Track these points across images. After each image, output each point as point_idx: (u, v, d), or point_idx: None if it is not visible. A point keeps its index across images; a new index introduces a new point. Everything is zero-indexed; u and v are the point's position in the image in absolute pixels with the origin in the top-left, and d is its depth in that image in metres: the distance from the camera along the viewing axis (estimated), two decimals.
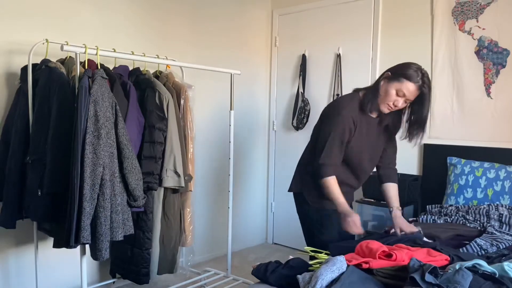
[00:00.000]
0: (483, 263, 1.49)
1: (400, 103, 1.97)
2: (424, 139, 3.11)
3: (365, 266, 1.50)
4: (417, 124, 2.05)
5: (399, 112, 2.10)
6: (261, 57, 4.05)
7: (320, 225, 2.16)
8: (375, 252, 1.59)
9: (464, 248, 1.99)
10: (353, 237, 2.26)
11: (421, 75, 1.94)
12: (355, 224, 1.98)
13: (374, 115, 2.10)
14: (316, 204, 2.15)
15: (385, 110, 2.03)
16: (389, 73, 2.00)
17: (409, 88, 1.93)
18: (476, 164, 2.71)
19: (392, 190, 2.25)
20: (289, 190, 2.28)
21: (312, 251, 1.83)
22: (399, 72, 1.97)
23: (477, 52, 2.90)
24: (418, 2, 3.16)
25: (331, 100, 3.62)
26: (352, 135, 2.04)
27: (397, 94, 1.96)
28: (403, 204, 2.94)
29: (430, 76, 3.05)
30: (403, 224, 2.14)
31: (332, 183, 2.02)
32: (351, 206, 2.25)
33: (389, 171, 2.28)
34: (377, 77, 3.34)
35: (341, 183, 2.07)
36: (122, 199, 2.09)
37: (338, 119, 2.02)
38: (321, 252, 1.82)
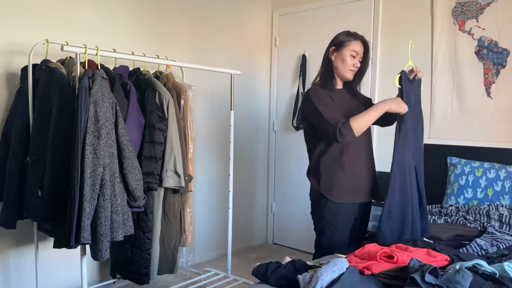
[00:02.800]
0: (483, 263, 1.49)
1: (357, 63, 2.17)
2: (424, 139, 3.13)
3: (367, 272, 1.50)
4: (359, 75, 2.22)
5: (359, 75, 2.25)
6: (261, 57, 4.06)
7: (333, 223, 2.15)
8: (375, 254, 1.59)
9: (464, 248, 1.99)
10: (360, 239, 2.26)
11: (356, 33, 2.17)
12: (399, 102, 2.05)
13: (339, 87, 2.23)
14: (336, 199, 2.14)
15: (350, 75, 2.19)
16: (333, 46, 2.18)
17: (358, 45, 2.15)
18: (476, 164, 2.71)
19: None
20: (311, 199, 2.26)
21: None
22: (341, 39, 2.17)
23: (477, 52, 2.90)
24: (418, 2, 3.16)
25: None
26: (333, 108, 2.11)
27: (352, 56, 2.14)
28: None
29: (430, 76, 3.09)
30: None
31: (353, 119, 2.03)
32: (375, 194, 2.31)
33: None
34: (377, 77, 3.39)
35: (350, 174, 2.13)
36: (122, 200, 2.09)
37: (317, 102, 2.11)
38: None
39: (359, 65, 2.18)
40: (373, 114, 2.05)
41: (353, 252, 1.72)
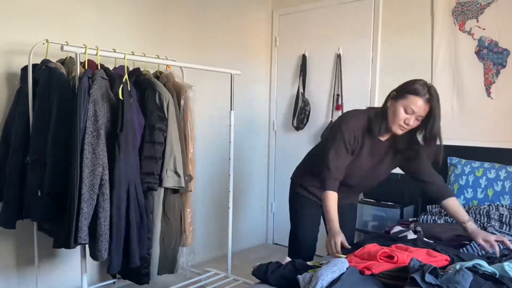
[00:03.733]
0: (483, 263, 1.49)
1: (412, 121, 1.87)
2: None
3: (367, 272, 1.50)
4: (431, 139, 1.90)
5: (411, 135, 1.99)
6: (261, 57, 4.05)
7: (296, 210, 2.25)
8: (375, 254, 1.59)
9: (464, 248, 1.99)
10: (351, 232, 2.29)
11: (428, 88, 1.85)
12: (333, 246, 1.85)
13: (383, 138, 2.03)
14: (302, 191, 2.23)
15: (398, 131, 1.92)
16: (395, 92, 1.93)
17: (417, 103, 1.83)
18: (476, 164, 2.71)
19: (452, 205, 2.06)
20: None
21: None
22: (404, 89, 1.89)
23: (477, 52, 2.90)
24: (418, 2, 3.16)
25: (332, 100, 3.63)
26: (353, 150, 2.00)
27: (406, 112, 1.86)
28: (403, 204, 2.95)
29: (430, 76, 3.09)
30: (487, 234, 1.94)
31: (331, 198, 1.94)
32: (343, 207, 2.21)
33: (437, 187, 2.10)
34: (377, 77, 3.39)
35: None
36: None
37: (345, 127, 1.99)
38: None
39: (412, 123, 1.88)
40: (330, 214, 1.92)
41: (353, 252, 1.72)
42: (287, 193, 2.35)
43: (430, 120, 1.86)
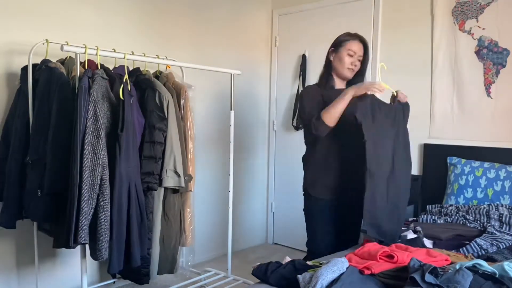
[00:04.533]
0: (483, 263, 1.49)
1: (356, 61, 2.24)
2: (424, 139, 3.14)
3: (366, 272, 1.50)
4: (360, 74, 2.29)
5: (360, 78, 2.31)
6: (261, 57, 4.06)
7: (317, 217, 2.23)
8: (375, 254, 1.59)
9: (464, 248, 1.99)
10: (354, 234, 2.27)
11: (355, 34, 2.25)
12: (364, 85, 2.07)
13: (341, 87, 2.28)
14: (317, 194, 2.23)
15: (348, 74, 2.26)
16: (332, 47, 2.28)
17: (355, 45, 2.22)
18: (476, 164, 2.71)
19: None
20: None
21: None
22: (339, 40, 2.26)
23: (477, 52, 2.90)
24: (418, 2, 3.16)
25: None
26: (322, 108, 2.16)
27: (349, 55, 2.22)
28: None
29: (430, 75, 3.10)
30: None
31: (324, 111, 2.09)
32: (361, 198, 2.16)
33: None
34: (376, 76, 3.38)
35: (328, 159, 2.20)
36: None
37: (305, 99, 2.25)
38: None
39: (357, 64, 2.25)
40: (340, 102, 2.07)
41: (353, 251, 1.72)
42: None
43: (365, 57, 2.26)
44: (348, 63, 2.23)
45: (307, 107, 2.20)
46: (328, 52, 2.31)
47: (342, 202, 2.21)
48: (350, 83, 2.28)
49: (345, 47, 2.22)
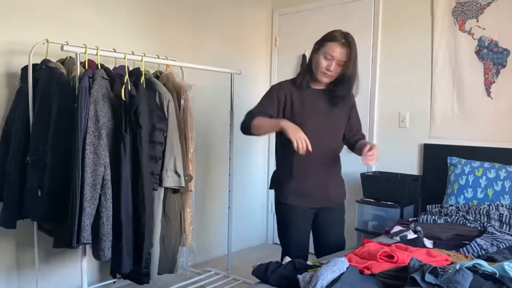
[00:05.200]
0: (483, 263, 1.49)
1: (332, 66, 1.98)
2: (424, 139, 3.14)
3: (366, 272, 1.50)
4: (345, 81, 2.03)
5: (349, 82, 2.05)
6: (261, 57, 4.05)
7: (286, 223, 2.15)
8: (375, 253, 1.59)
9: (464, 248, 1.99)
10: (339, 237, 2.23)
11: (344, 35, 1.98)
12: (303, 141, 1.81)
13: (319, 87, 2.09)
14: (283, 199, 2.12)
15: (323, 78, 2.03)
16: (316, 45, 2.05)
17: (335, 48, 1.96)
18: (476, 164, 2.71)
19: (362, 141, 2.14)
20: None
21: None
22: (323, 38, 2.02)
23: (477, 52, 2.90)
24: (418, 2, 3.16)
25: None
26: (288, 108, 2.05)
27: (326, 58, 1.98)
28: (403, 204, 2.95)
29: (430, 75, 3.09)
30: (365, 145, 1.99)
31: (260, 118, 1.99)
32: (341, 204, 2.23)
33: (359, 137, 2.20)
34: (377, 77, 3.39)
35: (293, 161, 2.06)
36: None
37: (265, 95, 2.13)
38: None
39: (336, 68, 1.99)
40: (269, 126, 1.97)
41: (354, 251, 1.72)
42: None
43: (348, 63, 1.97)
44: (322, 67, 1.99)
45: (258, 105, 2.09)
46: (312, 49, 2.08)
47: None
48: (335, 84, 2.06)
49: (325, 47, 1.98)
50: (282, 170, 2.15)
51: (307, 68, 2.08)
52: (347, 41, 1.97)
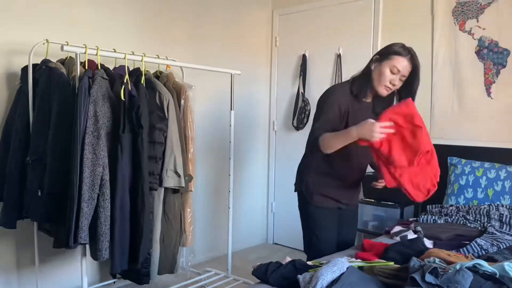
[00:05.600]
0: (483, 263, 1.49)
1: (397, 81, 1.95)
2: None
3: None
4: (399, 97, 2.03)
5: (390, 97, 2.05)
6: (261, 57, 4.05)
7: (320, 224, 2.15)
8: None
9: (464, 248, 1.99)
10: (352, 235, 2.27)
11: (408, 50, 1.95)
12: (371, 127, 1.72)
13: (368, 100, 2.07)
14: (316, 203, 2.14)
15: (384, 92, 1.98)
16: (378, 55, 1.99)
17: (401, 63, 1.92)
18: (476, 164, 2.70)
19: None
20: (294, 190, 2.28)
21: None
22: (387, 51, 1.96)
23: (478, 52, 2.90)
24: (419, 2, 3.16)
25: None
26: (344, 120, 2.00)
27: (392, 72, 1.93)
28: (403, 204, 2.95)
29: (430, 75, 3.09)
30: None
31: (327, 135, 1.88)
32: (356, 206, 2.30)
33: None
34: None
35: (333, 175, 2.09)
36: None
37: (326, 105, 2.00)
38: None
39: (397, 83, 1.95)
40: (340, 139, 1.83)
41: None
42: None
43: (413, 78, 1.95)
44: (387, 80, 1.93)
45: (322, 118, 1.96)
46: (372, 59, 2.00)
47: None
48: (379, 101, 2.05)
49: (391, 60, 1.92)
50: (318, 174, 2.14)
51: (367, 78, 2.00)
52: (413, 57, 1.93)
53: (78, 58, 2.10)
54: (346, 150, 1.90)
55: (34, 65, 2.32)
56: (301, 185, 2.19)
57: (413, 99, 1.93)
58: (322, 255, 2.03)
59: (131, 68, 2.59)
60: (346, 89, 2.05)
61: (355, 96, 2.02)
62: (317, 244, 2.16)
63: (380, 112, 1.89)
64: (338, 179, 2.12)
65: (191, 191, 2.71)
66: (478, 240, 2.04)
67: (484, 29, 2.86)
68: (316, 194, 2.13)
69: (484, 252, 1.95)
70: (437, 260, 1.55)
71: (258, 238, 4.16)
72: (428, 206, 2.66)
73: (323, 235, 2.15)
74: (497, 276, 1.44)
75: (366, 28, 3.42)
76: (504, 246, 2.01)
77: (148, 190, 2.20)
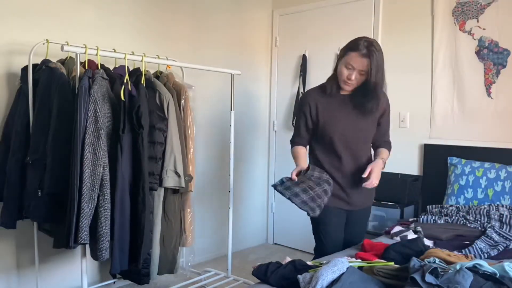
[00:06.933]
0: (483, 263, 1.49)
1: (353, 76, 1.98)
2: (425, 139, 3.14)
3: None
4: (371, 91, 2.01)
5: (366, 86, 2.03)
6: (261, 57, 4.05)
7: (324, 224, 2.16)
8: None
9: (466, 249, 1.99)
10: (360, 236, 2.27)
11: (367, 44, 1.94)
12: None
13: (344, 92, 2.11)
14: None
15: (346, 87, 2.06)
16: (340, 52, 2.06)
17: (354, 58, 1.95)
18: (476, 164, 2.70)
19: (380, 150, 2.20)
20: None
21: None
22: (345, 47, 2.02)
23: (478, 52, 2.90)
24: (419, 2, 3.16)
25: None
26: (316, 115, 2.11)
27: (347, 68, 1.99)
28: (403, 204, 2.95)
29: (430, 76, 3.09)
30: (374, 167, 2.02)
31: (297, 149, 2.18)
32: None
33: (381, 143, 2.24)
34: None
35: (326, 165, 2.13)
36: None
37: (298, 112, 2.21)
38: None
39: (357, 76, 1.99)
40: (295, 160, 2.15)
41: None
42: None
43: (370, 73, 1.95)
44: (344, 76, 2.00)
45: (295, 125, 2.24)
46: (338, 55, 2.10)
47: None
48: (355, 95, 2.09)
49: (346, 57, 1.99)
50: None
51: (333, 74, 2.10)
52: (368, 51, 1.93)
53: (78, 58, 2.10)
54: (328, 139, 2.10)
55: (34, 65, 2.32)
56: None
57: (379, 90, 2.02)
58: (327, 255, 2.04)
59: (131, 68, 2.60)
60: (317, 88, 2.18)
61: (329, 93, 2.11)
62: (323, 243, 2.17)
63: (358, 102, 2.07)
64: (335, 170, 2.12)
65: (191, 191, 2.71)
66: (478, 243, 2.04)
67: (484, 29, 2.86)
68: None
69: (485, 256, 1.95)
70: (437, 260, 1.54)
71: (258, 238, 4.15)
72: (428, 206, 2.66)
73: (328, 235, 2.15)
74: (497, 276, 1.44)
75: (366, 28, 3.41)
76: (503, 249, 2.01)
77: (148, 190, 2.20)
